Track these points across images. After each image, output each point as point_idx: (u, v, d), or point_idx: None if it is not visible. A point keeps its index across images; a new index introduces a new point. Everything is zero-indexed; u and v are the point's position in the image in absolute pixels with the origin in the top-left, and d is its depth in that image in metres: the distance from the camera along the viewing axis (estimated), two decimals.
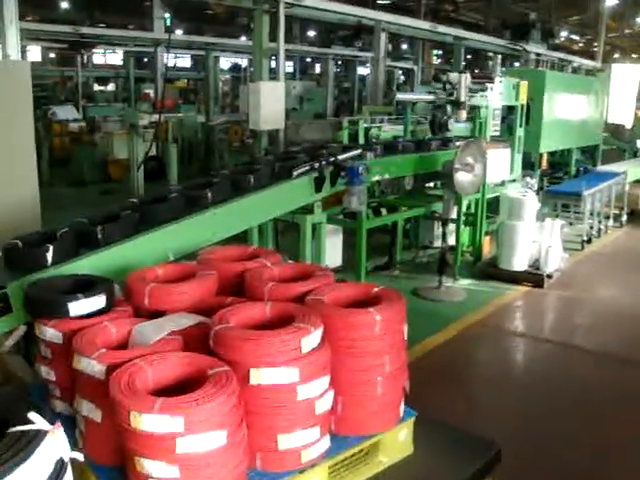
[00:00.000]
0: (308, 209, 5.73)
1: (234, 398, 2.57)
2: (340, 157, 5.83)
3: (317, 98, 21.71)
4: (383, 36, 11.84)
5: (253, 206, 5.03)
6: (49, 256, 3.93)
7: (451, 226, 7.99)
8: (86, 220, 4.48)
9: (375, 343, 3.12)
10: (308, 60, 34.50)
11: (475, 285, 8.02)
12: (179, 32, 26.22)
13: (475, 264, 8.60)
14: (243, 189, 5.05)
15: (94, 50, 18.23)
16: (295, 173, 5.42)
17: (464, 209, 8.41)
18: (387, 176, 6.66)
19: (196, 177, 5.60)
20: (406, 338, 3.36)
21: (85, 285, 3.54)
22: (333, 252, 7.18)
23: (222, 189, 4.93)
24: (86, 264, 3.98)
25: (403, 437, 3.45)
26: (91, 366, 2.86)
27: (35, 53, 35.23)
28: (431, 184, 8.71)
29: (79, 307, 3.31)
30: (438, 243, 8.92)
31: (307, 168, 5.53)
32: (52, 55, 36.47)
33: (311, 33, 29.58)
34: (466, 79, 7.63)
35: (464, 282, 8.05)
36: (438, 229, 8.89)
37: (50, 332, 3.27)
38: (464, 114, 7.70)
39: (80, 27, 13.86)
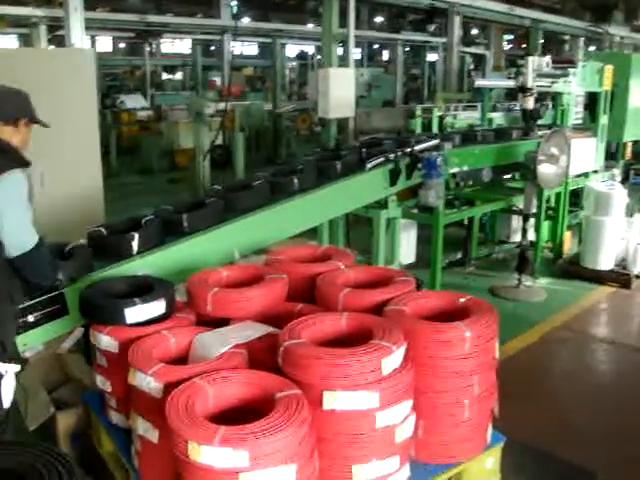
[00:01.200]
0: (382, 203, 5.37)
1: (305, 427, 2.25)
2: (417, 147, 5.44)
3: (385, 85, 21.23)
4: (457, 20, 11.28)
5: (323, 201, 4.70)
6: (134, 245, 3.74)
7: (530, 221, 7.48)
8: (170, 208, 4.28)
9: (463, 362, 2.75)
10: (376, 47, 33.90)
11: (556, 284, 7.48)
12: (246, 20, 26.07)
13: (555, 261, 8.05)
14: (323, 179, 4.77)
15: (161, 39, 18.06)
16: (369, 165, 5.06)
17: (544, 202, 7.87)
18: (465, 168, 6.22)
19: (263, 166, 5.31)
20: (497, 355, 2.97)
21: (144, 288, 3.28)
22: (407, 248, 6.80)
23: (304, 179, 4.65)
24: (140, 264, 3.71)
25: (490, 465, 3.08)
26: (147, 382, 2.59)
27: (106, 43, 35.80)
28: (508, 175, 8.20)
29: (137, 313, 3.05)
30: (515, 238, 8.42)
31: (382, 160, 5.17)
32: (122, 45, 36.97)
33: (379, 19, 28.99)
34: (537, 63, 7.07)
35: (544, 281, 7.52)
36: (515, 223, 8.38)
37: (105, 340, 3.03)
38: (531, 101, 7.13)
39: (146, 16, 13.75)
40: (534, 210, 7.21)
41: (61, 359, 4.34)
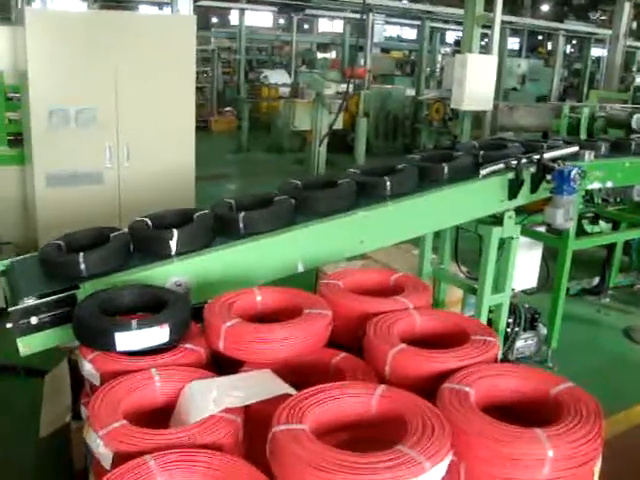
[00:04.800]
0: (497, 218, 4.43)
1: None
2: (547, 155, 4.43)
3: (543, 79, 19.58)
4: (627, 7, 9.75)
5: (418, 211, 3.86)
6: (172, 244, 3.16)
7: None
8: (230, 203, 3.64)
9: None
10: (540, 38, 31.76)
11: None
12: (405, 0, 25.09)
13: None
14: (424, 185, 3.95)
15: (304, 15, 17.48)
16: (483, 172, 4.14)
17: None
18: (610, 184, 5.11)
19: (389, 155, 4.58)
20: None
21: (157, 304, 2.64)
22: (528, 270, 5.78)
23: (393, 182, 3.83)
24: (177, 268, 3.08)
25: None
26: (96, 445, 1.94)
27: (266, 18, 36.04)
28: None
29: (130, 340, 2.41)
30: None
31: (500, 166, 4.23)
32: (281, 21, 37.08)
33: (545, 8, 26.99)
34: None
35: None
36: None
37: (87, 368, 2.42)
38: None
39: None
40: None
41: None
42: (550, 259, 5.57)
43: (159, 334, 2.43)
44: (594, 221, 7.49)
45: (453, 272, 5.10)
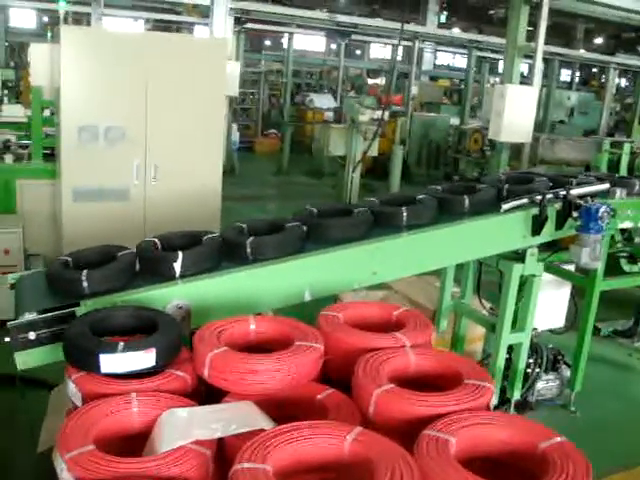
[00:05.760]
0: (519, 254, 4.30)
1: None
2: (574, 191, 4.29)
3: (593, 112, 19.24)
4: None
5: (435, 243, 3.76)
6: (176, 267, 3.14)
7: None
8: (241, 227, 3.61)
9: None
10: (594, 71, 31.31)
11: None
12: (456, 30, 25.00)
13: None
14: (443, 217, 3.87)
15: (346, 40, 17.45)
16: (505, 206, 4.02)
17: None
18: None
19: (428, 183, 4.48)
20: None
21: (150, 327, 2.61)
22: (555, 309, 5.60)
23: (410, 214, 3.75)
24: (179, 291, 3.05)
25: None
26: (60, 469, 1.90)
27: (319, 43, 36.25)
28: None
29: (115, 362, 2.37)
30: None
31: (523, 201, 4.10)
32: (333, 46, 37.30)
33: (599, 41, 26.63)
34: None
35: None
36: None
37: (71, 388, 2.39)
38: None
39: (336, 15, 13.27)
40: None
41: None
42: (579, 298, 5.37)
43: (145, 358, 2.39)
44: (632, 260, 7.25)
45: (475, 307, 4.97)
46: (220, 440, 2.07)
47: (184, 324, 2.98)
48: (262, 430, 2.01)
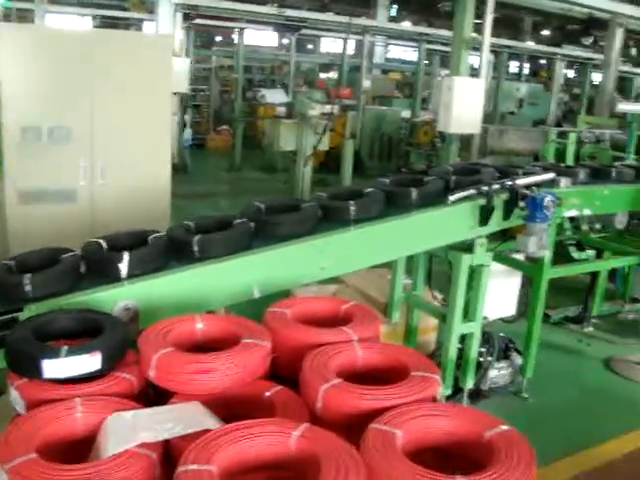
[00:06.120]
0: (468, 245, 4.35)
1: None
2: (520, 182, 4.36)
3: (542, 103, 19.55)
4: (619, 33, 9.69)
5: (381, 237, 3.78)
6: (122, 267, 3.10)
7: None
8: (188, 225, 3.58)
9: None
10: (543, 62, 31.77)
11: None
12: (406, 24, 25.10)
13: None
14: (391, 210, 3.92)
15: (296, 35, 17.39)
16: (452, 198, 4.07)
17: None
18: (587, 212, 5.03)
19: (378, 176, 4.49)
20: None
21: (95, 330, 2.56)
22: (506, 297, 5.69)
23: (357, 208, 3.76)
24: (127, 292, 3.01)
25: None
26: (2, 479, 1.85)
27: (271, 38, 36.01)
28: None
29: (58, 368, 2.32)
30: None
31: (471, 192, 4.15)
32: (285, 41, 37.14)
33: (546, 32, 27.02)
34: None
35: None
36: None
37: (14, 395, 2.33)
38: None
39: (285, 9, 13.23)
40: None
41: None
42: (530, 286, 5.46)
43: (90, 362, 2.35)
44: (581, 248, 7.40)
45: (427, 298, 5.02)
46: (166, 442, 2.04)
47: (132, 325, 2.94)
48: (209, 430, 2.00)
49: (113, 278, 3.10)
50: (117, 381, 2.36)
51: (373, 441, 1.88)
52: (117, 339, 2.48)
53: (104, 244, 3.35)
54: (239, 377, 2.30)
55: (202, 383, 2.26)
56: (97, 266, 3.18)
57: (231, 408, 2.27)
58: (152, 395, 2.45)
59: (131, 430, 2.00)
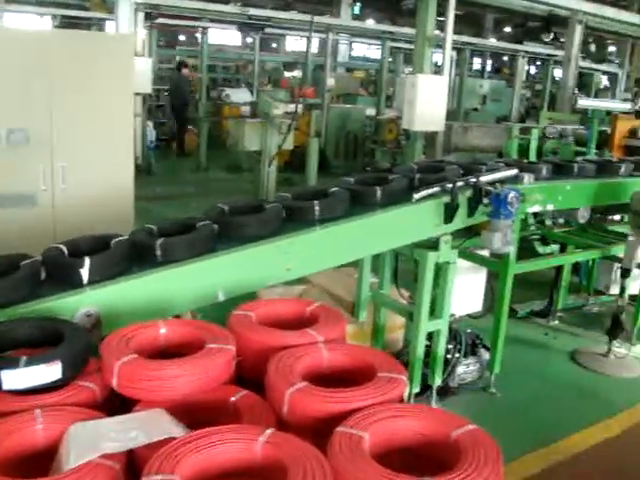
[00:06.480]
0: (434, 243, 4.36)
1: None
2: (483, 178, 4.38)
3: (505, 99, 19.78)
4: (579, 30, 9.82)
5: (345, 236, 3.77)
6: (84, 273, 3.04)
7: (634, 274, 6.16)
8: (151, 229, 3.52)
9: None
10: (505, 59, 32.13)
11: None
12: (370, 22, 25.18)
13: None
14: (356, 209, 3.91)
15: (260, 34, 17.28)
16: (416, 196, 4.07)
17: None
18: (550, 207, 5.08)
19: (344, 174, 4.50)
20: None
21: (56, 338, 2.50)
22: (472, 294, 5.72)
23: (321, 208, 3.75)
24: (88, 298, 2.95)
25: None
26: None
27: (235, 37, 35.81)
28: (617, 217, 6.91)
29: (17, 379, 2.26)
30: (617, 290, 7.08)
31: (435, 190, 4.16)
32: (249, 40, 36.97)
33: (508, 30, 27.36)
34: None
35: None
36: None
37: None
38: None
39: (248, 8, 13.17)
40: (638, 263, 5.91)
41: None
42: (496, 281, 5.50)
43: (50, 371, 2.29)
44: (545, 242, 7.48)
45: (394, 296, 5.02)
46: (131, 451, 2.00)
47: (95, 332, 2.89)
48: (174, 438, 1.97)
49: (74, 284, 3.03)
50: (79, 390, 2.31)
51: (340, 445, 1.86)
52: (78, 347, 2.42)
53: (65, 249, 3.28)
54: (204, 382, 2.27)
55: (165, 390, 2.23)
56: (58, 272, 3.11)
57: (196, 414, 2.24)
58: (116, 404, 2.40)
59: (94, 440, 1.96)
